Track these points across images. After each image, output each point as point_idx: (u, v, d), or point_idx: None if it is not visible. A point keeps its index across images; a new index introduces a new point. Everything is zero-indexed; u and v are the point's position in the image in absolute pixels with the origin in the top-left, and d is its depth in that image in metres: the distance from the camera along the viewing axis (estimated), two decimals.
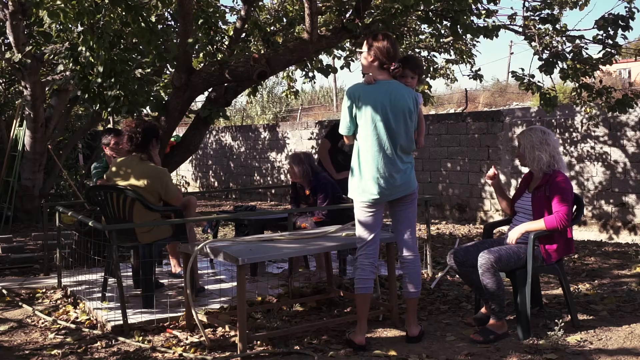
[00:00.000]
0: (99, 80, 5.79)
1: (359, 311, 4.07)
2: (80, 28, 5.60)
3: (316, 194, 5.87)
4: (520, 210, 4.42)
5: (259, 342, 4.08)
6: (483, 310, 4.47)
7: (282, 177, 14.15)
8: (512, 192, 9.60)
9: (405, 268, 4.15)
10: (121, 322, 4.41)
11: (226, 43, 7.41)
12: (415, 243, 4.17)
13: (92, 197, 5.21)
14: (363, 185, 4.01)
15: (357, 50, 9.11)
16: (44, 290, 5.63)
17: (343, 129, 4.07)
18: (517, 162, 9.21)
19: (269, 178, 14.59)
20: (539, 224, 4.16)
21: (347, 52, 9.23)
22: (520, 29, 7.43)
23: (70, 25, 5.79)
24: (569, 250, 4.33)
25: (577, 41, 7.07)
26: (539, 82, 7.58)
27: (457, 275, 4.96)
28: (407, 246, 4.13)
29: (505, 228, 4.61)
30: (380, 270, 5.65)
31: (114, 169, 5.12)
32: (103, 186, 5.17)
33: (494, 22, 6.96)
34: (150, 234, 4.96)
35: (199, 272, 5.66)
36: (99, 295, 5.15)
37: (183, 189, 16.10)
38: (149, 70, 6.58)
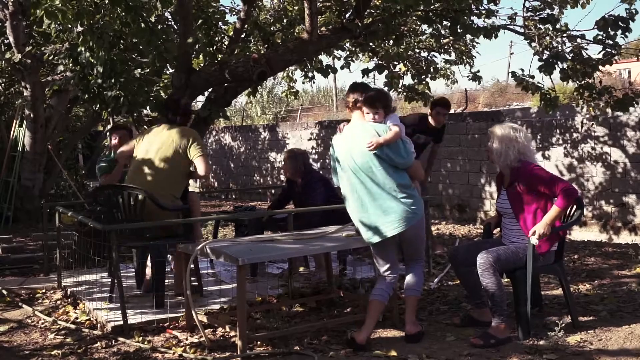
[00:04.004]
0: (99, 80, 5.79)
1: (369, 313, 4.09)
2: (79, 28, 5.60)
3: (307, 192, 5.86)
4: (502, 211, 4.40)
5: (259, 342, 4.08)
6: (472, 312, 4.46)
7: (282, 177, 14.13)
8: None
9: (408, 268, 4.27)
10: (121, 322, 4.41)
11: (226, 43, 7.41)
12: (421, 258, 4.33)
13: (100, 197, 5.16)
14: (359, 228, 4.19)
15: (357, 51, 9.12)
16: (44, 290, 5.63)
17: (334, 179, 4.34)
18: None
19: (269, 178, 14.58)
20: (555, 211, 4.09)
21: (347, 52, 9.22)
22: (521, 29, 7.43)
23: (70, 26, 5.78)
24: (558, 238, 4.29)
25: (578, 39, 7.06)
26: (538, 82, 7.57)
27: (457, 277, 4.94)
28: (410, 263, 4.30)
29: None
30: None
31: (140, 140, 5.12)
32: (112, 186, 5.16)
33: (493, 22, 6.97)
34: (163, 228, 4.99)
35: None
36: (99, 295, 5.14)
37: None
38: (148, 70, 6.58)
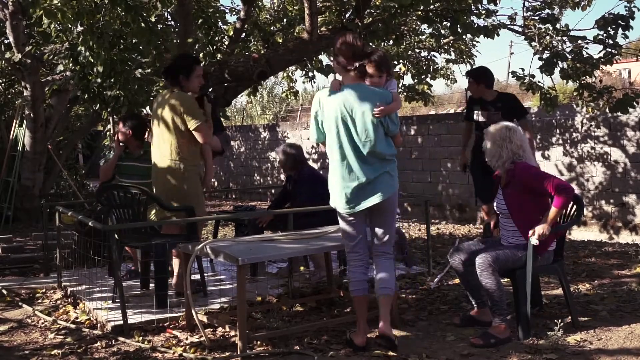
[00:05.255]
0: (99, 80, 5.79)
1: (357, 312, 4.06)
2: (79, 28, 5.60)
3: (295, 191, 5.86)
4: (499, 211, 4.36)
5: (259, 342, 4.08)
6: (473, 312, 4.46)
7: (282, 177, 14.14)
8: None
9: (376, 268, 4.04)
10: (121, 322, 4.40)
11: (226, 43, 7.42)
12: (390, 245, 4.06)
13: (106, 197, 5.15)
14: (334, 195, 3.99)
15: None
16: (44, 290, 5.63)
17: (312, 137, 4.06)
18: None
19: (269, 178, 14.59)
20: (553, 212, 4.07)
21: None
22: (520, 29, 7.44)
23: (69, 26, 5.79)
24: (555, 237, 4.25)
25: (579, 41, 7.07)
26: (539, 82, 7.58)
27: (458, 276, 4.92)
28: (379, 249, 4.04)
29: None
30: None
31: (155, 104, 5.07)
32: (116, 186, 5.14)
33: (493, 21, 6.97)
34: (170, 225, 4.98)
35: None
36: (99, 295, 5.14)
37: None
38: (149, 70, 6.58)
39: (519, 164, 4.20)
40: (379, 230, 4.04)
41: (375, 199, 3.89)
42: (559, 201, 4.06)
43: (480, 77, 6.35)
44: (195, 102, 4.92)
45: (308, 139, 13.42)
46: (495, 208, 4.45)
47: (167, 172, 4.92)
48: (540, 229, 4.06)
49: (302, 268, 6.05)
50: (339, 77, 4.08)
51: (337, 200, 3.98)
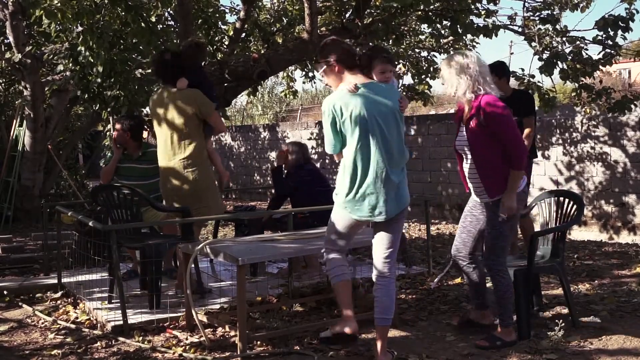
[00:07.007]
0: (99, 80, 5.79)
1: (342, 301, 3.81)
2: (79, 28, 5.61)
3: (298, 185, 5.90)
4: (460, 150, 4.04)
5: (259, 342, 4.09)
6: (471, 316, 4.42)
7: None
8: None
9: (376, 290, 3.72)
10: (121, 322, 4.41)
11: (226, 43, 7.42)
12: (393, 263, 3.75)
13: (100, 198, 5.16)
14: (354, 202, 3.63)
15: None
16: (44, 290, 5.63)
17: (329, 147, 3.69)
18: None
19: (269, 178, 14.58)
20: (515, 177, 3.80)
21: None
22: (520, 29, 7.44)
23: (69, 25, 5.80)
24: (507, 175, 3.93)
25: (577, 42, 7.07)
26: (539, 82, 7.58)
27: (463, 276, 4.89)
28: (381, 265, 3.71)
29: None
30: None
31: (152, 105, 5.04)
32: (112, 186, 5.14)
33: (493, 22, 6.98)
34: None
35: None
36: (99, 295, 5.14)
37: None
38: (149, 70, 6.59)
39: (484, 97, 3.82)
40: (385, 241, 3.70)
41: (401, 206, 3.63)
42: (521, 167, 3.81)
43: (492, 68, 6.09)
44: (201, 94, 4.92)
45: (308, 139, 13.42)
46: (457, 146, 4.08)
47: (175, 174, 4.93)
48: (507, 201, 3.80)
49: (303, 267, 6.05)
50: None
51: (358, 207, 3.62)
